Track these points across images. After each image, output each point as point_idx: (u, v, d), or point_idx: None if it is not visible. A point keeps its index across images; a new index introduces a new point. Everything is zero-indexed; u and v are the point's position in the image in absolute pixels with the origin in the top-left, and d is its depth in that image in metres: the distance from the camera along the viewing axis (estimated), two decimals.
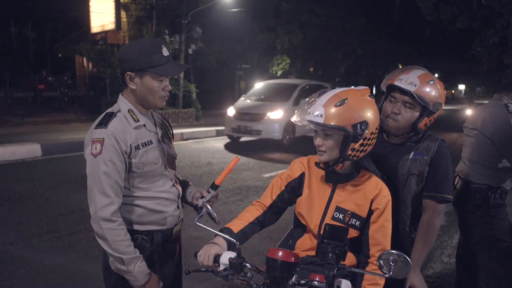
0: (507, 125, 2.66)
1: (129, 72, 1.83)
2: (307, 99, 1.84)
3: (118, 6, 19.13)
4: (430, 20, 17.72)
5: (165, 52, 1.85)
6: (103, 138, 1.78)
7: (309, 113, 1.73)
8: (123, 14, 19.91)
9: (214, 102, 26.75)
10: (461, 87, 68.62)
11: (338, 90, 1.79)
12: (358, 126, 1.69)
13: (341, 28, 26.64)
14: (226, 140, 13.06)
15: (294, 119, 1.82)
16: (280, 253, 1.51)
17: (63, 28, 26.68)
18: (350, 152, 1.74)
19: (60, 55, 26.42)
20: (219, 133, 14.83)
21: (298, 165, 1.97)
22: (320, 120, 1.69)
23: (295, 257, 1.52)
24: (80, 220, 5.25)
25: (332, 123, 1.68)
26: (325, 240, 1.48)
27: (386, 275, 1.43)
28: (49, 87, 20.55)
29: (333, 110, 1.69)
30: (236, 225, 1.86)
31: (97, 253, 4.21)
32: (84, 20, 21.96)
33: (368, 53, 29.18)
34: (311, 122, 1.72)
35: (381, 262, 1.46)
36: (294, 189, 1.95)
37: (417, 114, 2.03)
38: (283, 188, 1.96)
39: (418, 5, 16.50)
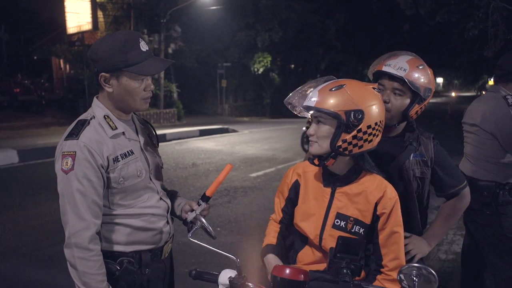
0: (507, 118, 2.54)
1: (103, 73, 1.60)
2: (308, 84, 1.71)
3: (95, 6, 18.66)
4: (409, 15, 17.79)
5: (144, 46, 1.61)
6: (75, 151, 1.54)
7: (306, 99, 1.62)
8: (100, 14, 19.47)
9: (195, 102, 26.48)
10: (439, 80, 69.60)
11: (342, 79, 1.66)
12: (352, 114, 1.53)
13: (321, 24, 26.61)
14: (210, 140, 12.87)
15: (286, 102, 1.69)
16: (287, 271, 1.34)
17: (38, 30, 26.01)
18: (340, 144, 1.56)
19: (35, 58, 25.74)
20: (202, 133, 14.67)
21: (292, 173, 1.84)
22: (312, 104, 1.57)
23: (304, 274, 1.34)
24: (61, 230, 4.95)
25: (323, 107, 1.55)
26: (338, 254, 1.32)
27: None
28: (25, 91, 20.02)
29: (327, 94, 1.57)
30: (270, 240, 1.83)
31: None
32: (59, 21, 21.44)
33: (348, 49, 29.25)
34: (304, 107, 1.60)
35: (402, 276, 1.31)
36: (292, 200, 1.82)
37: (407, 101, 1.87)
38: (284, 202, 1.85)
39: (396, 0, 16.51)
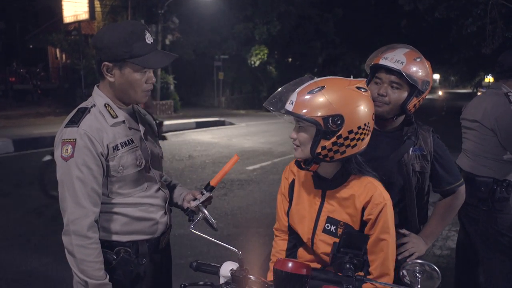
0: (508, 116, 2.55)
1: (106, 63, 1.58)
2: (288, 85, 1.62)
3: None
4: (407, 10, 17.77)
5: (149, 39, 1.59)
6: (75, 139, 1.54)
7: (287, 101, 1.53)
8: (97, 3, 19.26)
9: (192, 94, 26.39)
10: (436, 76, 69.73)
11: (323, 77, 1.57)
12: (330, 119, 1.44)
13: (319, 18, 26.52)
14: (207, 132, 12.84)
15: (266, 105, 1.60)
16: (290, 265, 1.33)
17: (33, 18, 25.72)
18: (319, 151, 1.49)
19: (31, 46, 25.49)
20: (199, 125, 14.64)
21: (288, 173, 1.80)
22: (290, 108, 1.49)
23: (306, 268, 1.34)
24: (56, 220, 4.94)
25: (300, 113, 1.46)
26: (341, 249, 1.31)
27: None
28: (21, 80, 19.91)
29: (305, 97, 1.47)
30: None
31: None
32: (56, 9, 21.15)
33: (346, 43, 29.19)
34: (284, 110, 1.52)
35: (405, 272, 1.30)
36: (290, 200, 1.77)
37: (405, 94, 1.85)
38: (287, 204, 1.78)
39: None
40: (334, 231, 1.60)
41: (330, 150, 1.49)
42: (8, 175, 7.28)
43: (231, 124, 16.17)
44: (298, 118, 1.49)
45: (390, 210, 1.57)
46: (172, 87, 20.75)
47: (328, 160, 1.53)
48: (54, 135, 1.65)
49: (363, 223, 1.58)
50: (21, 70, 20.56)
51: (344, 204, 1.60)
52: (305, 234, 1.67)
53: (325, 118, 1.45)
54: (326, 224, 1.62)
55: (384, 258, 1.56)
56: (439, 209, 2.03)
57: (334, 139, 1.47)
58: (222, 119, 16.63)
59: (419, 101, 1.89)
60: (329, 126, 1.45)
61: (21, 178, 6.96)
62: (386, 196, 1.58)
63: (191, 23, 22.76)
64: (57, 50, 22.87)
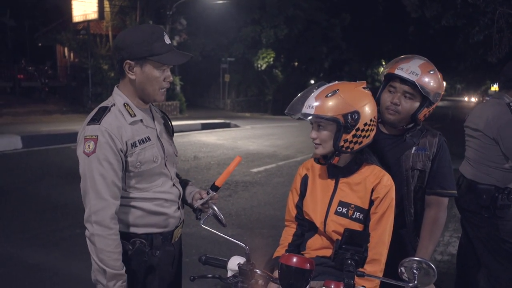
0: (510, 125, 2.61)
1: (128, 61, 1.69)
2: (304, 92, 1.83)
3: None
4: (414, 17, 17.79)
5: (167, 40, 1.72)
6: (97, 136, 1.64)
7: (304, 106, 1.74)
8: (106, 3, 19.42)
9: (198, 95, 26.52)
10: None
11: (333, 83, 1.80)
12: (349, 116, 1.68)
13: (326, 23, 26.61)
14: (212, 134, 12.92)
15: (288, 112, 1.83)
16: (294, 260, 1.40)
17: (43, 17, 25.93)
18: (342, 144, 1.71)
19: (40, 44, 25.71)
20: (204, 127, 14.72)
21: (302, 169, 2.00)
22: (311, 112, 1.70)
23: (310, 263, 1.41)
24: (64, 216, 5.05)
25: (322, 114, 1.68)
26: (343, 246, 1.39)
27: (411, 285, 1.35)
28: (29, 77, 20.05)
29: (323, 101, 1.70)
30: (281, 251, 1.92)
31: (82, 250, 4.03)
32: (65, 8, 21.31)
33: (352, 49, 29.27)
34: (303, 114, 1.73)
35: (403, 269, 1.38)
36: (302, 193, 1.96)
37: (417, 104, 1.95)
38: (297, 197, 1.98)
39: (402, 2, 16.50)
40: (345, 212, 1.80)
41: (351, 142, 1.72)
42: (17, 170, 7.38)
43: (236, 126, 16.25)
44: (320, 118, 1.69)
45: (394, 193, 1.80)
46: (178, 88, 20.88)
47: (349, 151, 1.75)
48: (61, 133, 1.74)
49: (371, 203, 1.79)
50: (30, 68, 20.71)
51: (356, 188, 1.81)
52: (318, 219, 1.84)
53: (345, 115, 1.68)
54: (338, 207, 1.82)
55: (382, 231, 1.76)
56: (426, 227, 2.03)
57: (353, 132, 1.70)
58: (228, 121, 16.71)
59: (429, 111, 1.98)
60: (348, 121, 1.68)
61: (30, 174, 7.07)
62: (392, 181, 1.82)
63: (199, 25, 22.91)
64: (66, 49, 23.04)
